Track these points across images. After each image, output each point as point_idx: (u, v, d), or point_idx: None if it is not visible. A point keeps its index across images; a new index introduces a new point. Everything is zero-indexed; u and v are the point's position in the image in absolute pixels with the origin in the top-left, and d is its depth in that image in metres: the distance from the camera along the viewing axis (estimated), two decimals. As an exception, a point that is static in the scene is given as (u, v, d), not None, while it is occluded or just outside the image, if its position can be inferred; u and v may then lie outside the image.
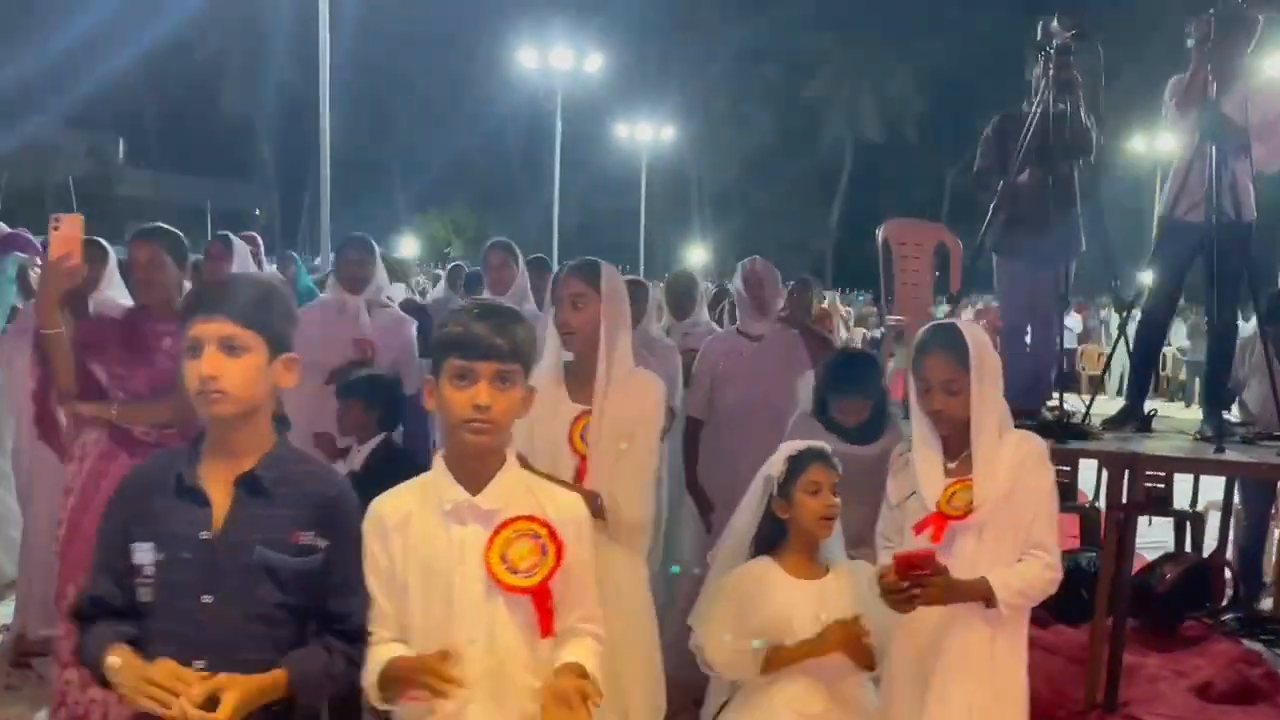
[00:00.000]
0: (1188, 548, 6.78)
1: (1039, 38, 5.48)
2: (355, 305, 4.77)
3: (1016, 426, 2.92)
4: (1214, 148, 5.24)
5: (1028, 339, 5.83)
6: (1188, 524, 6.85)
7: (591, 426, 2.98)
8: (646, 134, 31.87)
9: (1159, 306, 5.74)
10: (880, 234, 6.76)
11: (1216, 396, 5.68)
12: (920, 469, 2.85)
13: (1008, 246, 5.72)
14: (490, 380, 2.15)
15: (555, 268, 8.62)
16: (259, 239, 6.22)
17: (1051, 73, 5.38)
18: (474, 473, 2.22)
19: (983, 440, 2.76)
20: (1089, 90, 5.61)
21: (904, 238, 6.38)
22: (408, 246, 41.09)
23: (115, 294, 4.23)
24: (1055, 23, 5.32)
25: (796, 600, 2.91)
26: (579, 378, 3.08)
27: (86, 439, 3.75)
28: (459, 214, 45.48)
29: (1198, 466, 5.15)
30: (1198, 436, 5.31)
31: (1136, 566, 6.61)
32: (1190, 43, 5.34)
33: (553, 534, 2.21)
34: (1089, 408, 5.64)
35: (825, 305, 20.36)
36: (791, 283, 6.40)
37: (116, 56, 43.89)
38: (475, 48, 33.57)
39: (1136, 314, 6.21)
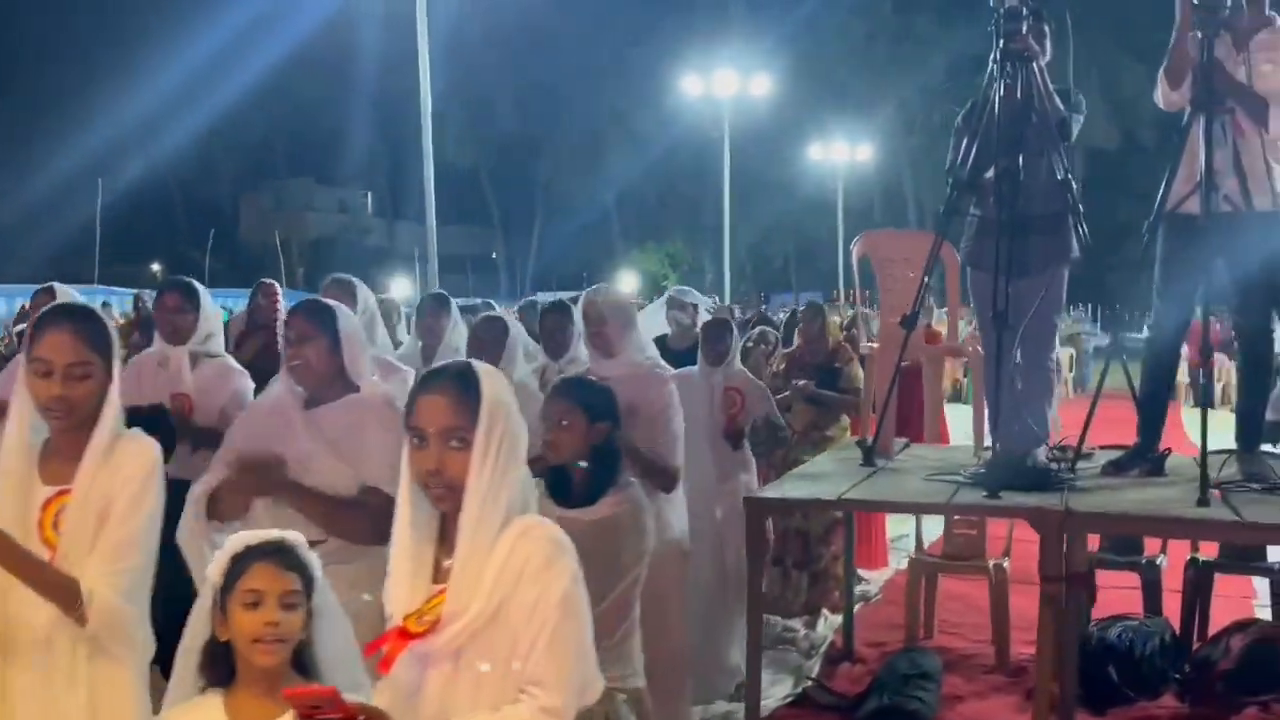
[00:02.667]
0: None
1: (991, 3, 4.54)
2: (178, 357, 4.35)
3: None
4: (1204, 119, 4.20)
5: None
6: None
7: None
8: (843, 154, 30.57)
9: (1165, 322, 4.65)
10: (856, 248, 5.86)
11: (1251, 430, 4.55)
12: (394, 559, 2.06)
13: (976, 256, 4.78)
14: None
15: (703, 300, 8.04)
16: (277, 286, 5.91)
17: (1001, 44, 4.44)
18: None
19: (472, 527, 1.96)
20: (1056, 64, 4.62)
21: (889, 251, 5.46)
22: (627, 281, 41.36)
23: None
24: None
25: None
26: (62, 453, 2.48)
27: None
28: (674, 247, 45.47)
29: (1155, 527, 4.07)
30: (1218, 485, 4.23)
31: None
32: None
33: None
34: (1079, 449, 4.63)
35: (934, 325, 18.93)
36: (798, 310, 5.63)
37: (354, 115, 46.39)
38: (675, 79, 33.37)
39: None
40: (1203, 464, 3.95)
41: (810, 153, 31.31)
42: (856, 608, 6.75)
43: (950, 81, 42.32)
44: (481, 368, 2.06)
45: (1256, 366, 4.58)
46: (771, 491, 4.19)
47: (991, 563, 5.66)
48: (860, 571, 7.24)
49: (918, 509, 5.01)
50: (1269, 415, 5.35)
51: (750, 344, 7.18)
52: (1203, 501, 3.83)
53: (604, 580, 2.94)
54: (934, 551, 6.15)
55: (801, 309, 7.15)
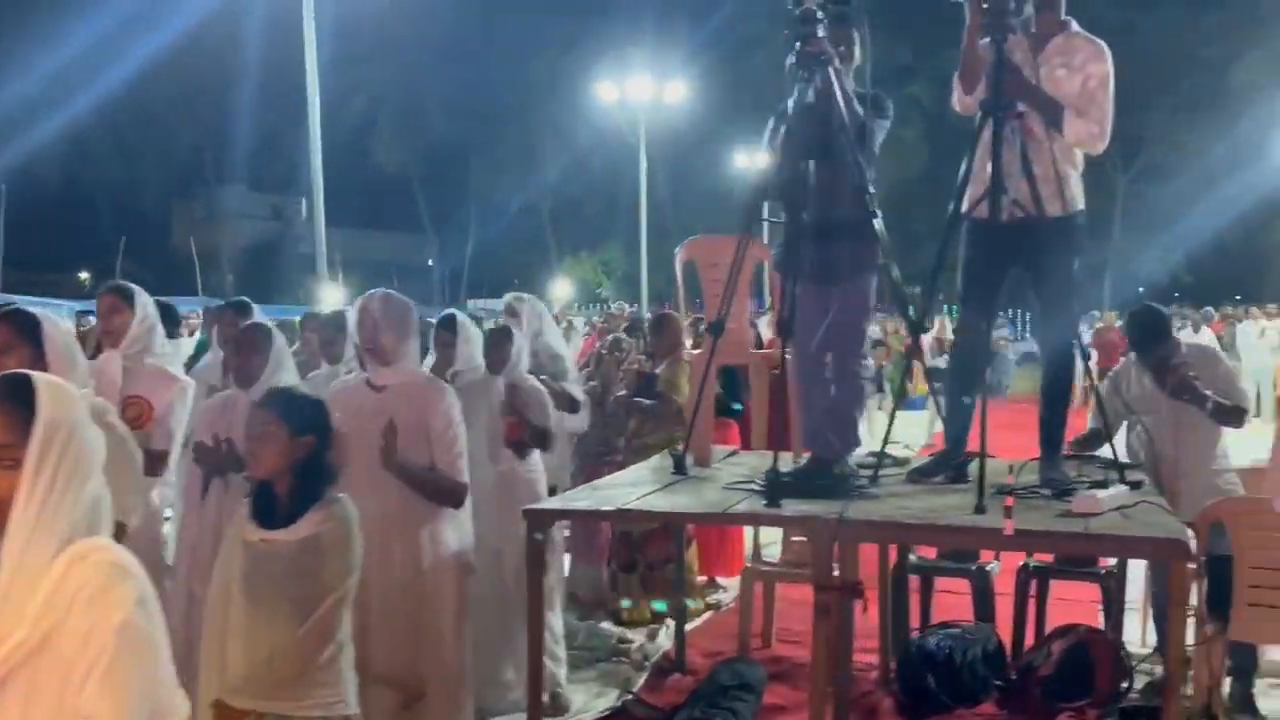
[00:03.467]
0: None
1: (789, 5, 4.49)
2: (114, 364, 4.15)
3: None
4: (992, 120, 4.17)
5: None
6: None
7: None
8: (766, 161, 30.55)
9: (968, 327, 4.62)
10: (681, 254, 5.80)
11: (1053, 436, 4.53)
12: None
13: (784, 262, 4.73)
14: None
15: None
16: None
17: (798, 46, 4.40)
18: None
19: (18, 552, 1.78)
20: (847, 68, 4.59)
21: (713, 257, 5.40)
22: (561, 289, 41.20)
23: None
24: None
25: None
26: None
27: None
28: (610, 255, 45.35)
29: (923, 535, 4.03)
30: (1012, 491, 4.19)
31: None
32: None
33: None
34: (880, 455, 4.59)
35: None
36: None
37: (286, 121, 45.84)
38: (594, 86, 33.20)
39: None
40: (981, 470, 3.92)
41: (737, 160, 31.31)
42: (705, 616, 6.71)
43: (872, 89, 42.64)
44: (42, 380, 1.91)
45: (1057, 372, 4.56)
46: (554, 502, 4.11)
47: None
48: (720, 579, 7.20)
49: (692, 519, 4.94)
50: (1090, 423, 5.37)
51: (604, 352, 7.10)
52: (979, 509, 3.79)
53: (306, 602, 2.84)
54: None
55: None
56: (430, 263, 53.88)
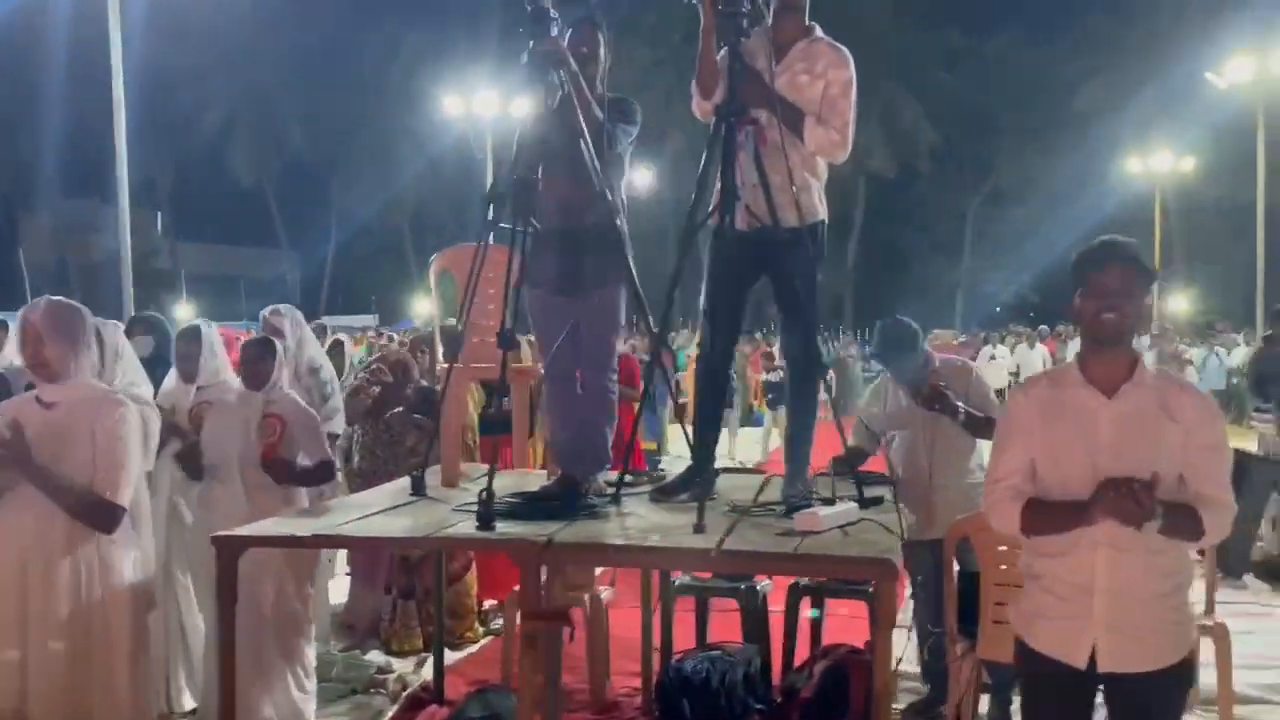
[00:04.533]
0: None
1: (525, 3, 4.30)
2: None
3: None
4: (725, 129, 4.04)
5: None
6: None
7: None
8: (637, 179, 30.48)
9: (714, 341, 4.47)
10: (435, 265, 5.57)
11: (798, 452, 4.40)
12: None
13: (530, 273, 4.52)
14: None
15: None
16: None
17: (530, 45, 4.21)
18: None
19: None
20: (590, 71, 4.42)
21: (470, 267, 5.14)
22: (421, 305, 40.48)
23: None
24: None
25: None
26: None
27: None
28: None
29: (630, 557, 3.85)
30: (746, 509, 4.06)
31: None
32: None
33: None
34: (623, 474, 4.41)
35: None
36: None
37: (140, 132, 44.37)
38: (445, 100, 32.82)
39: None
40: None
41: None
42: (485, 641, 6.47)
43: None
44: None
45: (798, 386, 4.44)
46: (249, 528, 3.81)
47: (587, 594, 5.42)
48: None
49: (397, 544, 4.71)
50: (850, 441, 5.26)
51: (366, 376, 6.81)
52: (698, 529, 3.62)
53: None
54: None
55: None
56: (286, 278, 52.60)
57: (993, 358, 21.17)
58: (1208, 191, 34.25)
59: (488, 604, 6.75)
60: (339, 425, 6.02)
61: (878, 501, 4.11)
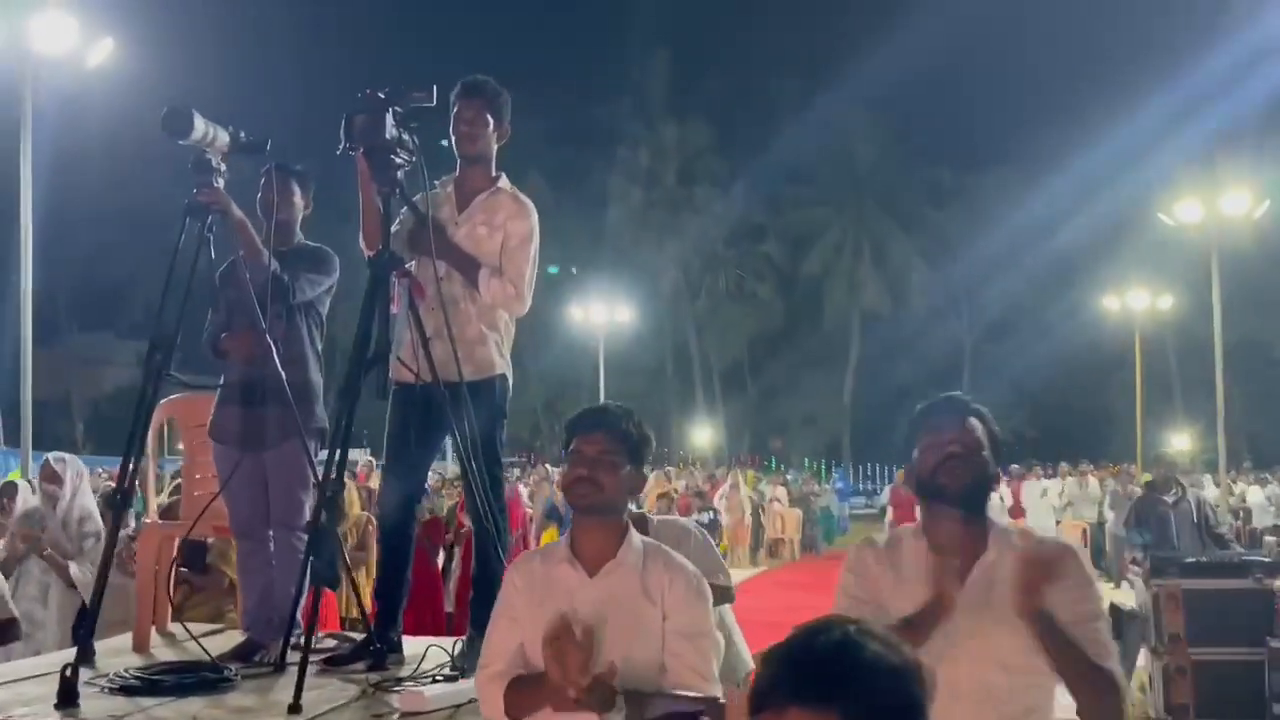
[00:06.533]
0: None
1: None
2: None
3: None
4: (374, 279, 3.90)
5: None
6: None
7: None
8: (601, 316, 30.29)
9: (393, 499, 4.27)
10: (159, 413, 5.36)
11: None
12: None
13: (213, 427, 4.36)
14: None
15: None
16: None
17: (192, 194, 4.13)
18: None
19: None
20: (283, 217, 4.33)
21: (194, 418, 4.93)
22: None
23: None
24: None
25: None
26: None
27: None
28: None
29: None
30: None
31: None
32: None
33: None
34: (308, 641, 4.14)
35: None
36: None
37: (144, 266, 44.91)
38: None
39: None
40: (303, 661, 3.50)
41: (574, 314, 31.13)
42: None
43: (730, 249, 43.77)
44: None
45: (481, 545, 4.20)
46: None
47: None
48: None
49: None
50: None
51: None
52: (294, 708, 3.37)
53: None
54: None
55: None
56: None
57: (1044, 493, 19.03)
58: (1201, 329, 33.93)
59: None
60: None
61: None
